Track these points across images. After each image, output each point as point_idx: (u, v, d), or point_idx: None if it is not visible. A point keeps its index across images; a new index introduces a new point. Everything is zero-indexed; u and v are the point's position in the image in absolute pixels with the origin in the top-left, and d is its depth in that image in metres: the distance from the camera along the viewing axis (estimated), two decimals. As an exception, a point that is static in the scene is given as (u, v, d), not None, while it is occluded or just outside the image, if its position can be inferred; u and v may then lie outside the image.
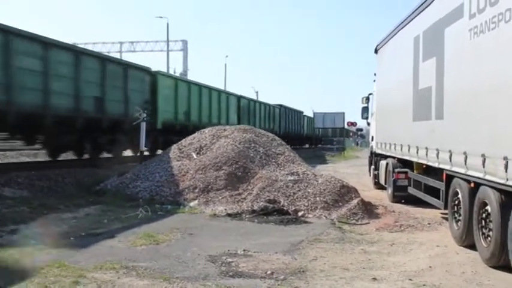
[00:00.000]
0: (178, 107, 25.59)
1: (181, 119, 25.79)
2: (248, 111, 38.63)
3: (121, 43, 63.83)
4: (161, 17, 69.68)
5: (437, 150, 9.79)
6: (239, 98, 36.88)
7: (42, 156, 24.12)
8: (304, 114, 59.31)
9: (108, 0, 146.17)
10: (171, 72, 51.55)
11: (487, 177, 7.35)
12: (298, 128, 55.55)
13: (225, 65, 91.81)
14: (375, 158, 17.98)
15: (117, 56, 51.09)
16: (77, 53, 17.80)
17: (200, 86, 28.94)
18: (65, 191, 14.32)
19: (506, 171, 6.68)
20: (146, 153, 20.77)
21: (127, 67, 21.24)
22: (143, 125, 18.00)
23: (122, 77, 20.49)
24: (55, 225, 9.80)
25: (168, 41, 57.57)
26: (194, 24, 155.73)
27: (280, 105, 48.77)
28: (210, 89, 30.49)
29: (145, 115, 18.11)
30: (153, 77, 23.55)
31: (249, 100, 40.03)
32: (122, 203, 12.35)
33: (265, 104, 44.24)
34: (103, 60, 19.77)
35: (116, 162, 19.91)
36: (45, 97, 15.87)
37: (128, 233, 9.30)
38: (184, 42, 63.42)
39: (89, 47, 46.40)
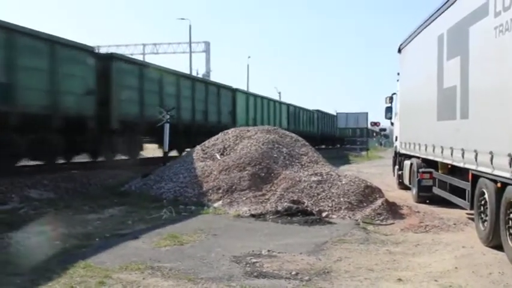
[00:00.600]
0: (249, 114, 33.90)
1: (250, 124, 31.17)
2: (294, 116, 46.71)
3: (144, 45, 64.22)
4: (183, 19, 69.39)
5: (462, 150, 9.70)
6: (288, 106, 44.93)
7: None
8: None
9: (130, 2, 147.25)
10: (194, 73, 52.26)
11: (514, 177, 7.27)
12: (331, 129, 61.62)
13: (247, 65, 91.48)
14: (399, 158, 17.87)
15: (140, 57, 51.50)
16: (193, 80, 27.72)
17: (262, 98, 37.80)
18: (90, 193, 14.45)
19: (533, 170, 6.60)
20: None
21: (219, 87, 30.15)
22: (167, 126, 18.08)
23: (216, 94, 29.26)
24: (80, 226, 9.89)
25: (190, 42, 57.65)
26: (216, 25, 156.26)
27: (318, 110, 57.02)
28: (269, 100, 39.54)
29: (168, 116, 18.18)
30: (234, 92, 32.19)
31: (295, 107, 47.69)
32: (146, 204, 12.43)
33: (306, 110, 52.11)
34: (207, 83, 29.42)
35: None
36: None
37: (152, 233, 9.34)
38: (207, 44, 63.59)
39: (112, 50, 46.92)
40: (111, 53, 22.36)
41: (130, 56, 39.81)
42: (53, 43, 16.13)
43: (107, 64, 19.34)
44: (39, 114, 15.59)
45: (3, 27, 14.34)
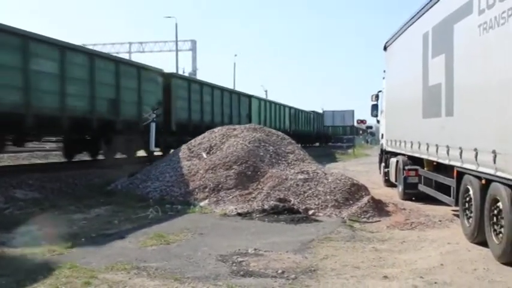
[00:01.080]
0: (261, 117, 38.37)
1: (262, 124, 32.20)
2: (295, 117, 50.69)
3: (130, 43, 64.11)
4: (170, 17, 69.47)
5: (447, 147, 9.76)
6: (290, 108, 48.65)
7: (52, 158, 24.34)
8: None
9: (117, 0, 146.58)
10: (180, 72, 52.20)
11: (498, 173, 7.32)
12: (323, 128, 64.25)
13: (234, 64, 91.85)
14: (385, 156, 17.92)
15: (126, 56, 51.31)
16: (222, 90, 30.87)
17: (270, 102, 43.08)
18: (76, 192, 14.36)
19: (517, 167, 6.65)
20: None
21: (240, 94, 34.40)
22: (153, 126, 18.04)
23: (237, 100, 33.53)
24: (66, 226, 9.84)
25: (176, 41, 57.59)
26: (202, 23, 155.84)
27: (313, 111, 61.60)
28: (275, 104, 43.98)
29: (154, 115, 18.14)
30: (249, 98, 36.42)
31: (295, 109, 51.78)
32: (132, 203, 12.38)
33: (304, 111, 56.33)
34: (231, 92, 32.97)
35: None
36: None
37: (139, 233, 9.32)
38: (193, 42, 63.53)
39: (98, 48, 46.76)
40: (172, 73, 27.35)
41: (116, 54, 39.95)
42: (138, 68, 21.56)
43: (169, 80, 24.45)
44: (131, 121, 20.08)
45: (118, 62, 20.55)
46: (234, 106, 32.73)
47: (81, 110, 17.46)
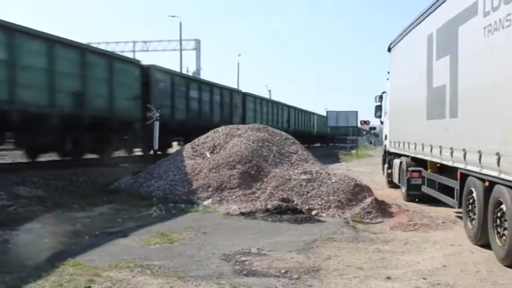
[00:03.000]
0: (269, 117, 40.65)
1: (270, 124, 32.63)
2: (295, 118, 51.73)
3: (134, 42, 63.98)
4: (174, 16, 69.17)
5: (451, 148, 9.75)
6: (294, 109, 50.92)
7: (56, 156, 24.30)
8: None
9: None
10: (184, 71, 52.34)
11: (502, 175, 7.31)
12: (326, 129, 65.54)
13: (238, 63, 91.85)
14: (389, 157, 17.92)
15: (130, 55, 51.31)
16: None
17: (277, 104, 45.45)
18: (79, 190, 14.41)
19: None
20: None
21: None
22: (156, 124, 18.06)
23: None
24: (69, 224, 9.87)
25: (180, 40, 57.54)
26: (207, 23, 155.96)
27: (315, 113, 63.88)
28: (282, 105, 46.25)
29: (158, 114, 18.16)
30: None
31: (298, 109, 53.77)
32: (135, 202, 12.41)
33: (306, 112, 58.16)
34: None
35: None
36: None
37: (142, 231, 9.34)
38: (197, 41, 63.48)
39: (102, 47, 46.77)
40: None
41: (120, 52, 39.98)
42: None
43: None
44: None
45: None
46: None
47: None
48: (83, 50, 18.23)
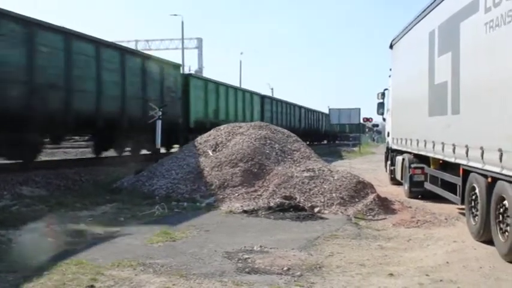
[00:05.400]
0: (277, 116, 43.06)
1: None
2: (305, 117, 54.98)
3: (136, 41, 64.06)
4: (176, 15, 69.22)
5: (453, 145, 9.75)
6: (300, 107, 52.99)
7: (59, 155, 24.40)
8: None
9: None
10: (186, 70, 52.51)
11: (504, 171, 7.31)
12: (331, 127, 68.73)
13: (240, 62, 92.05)
14: (391, 154, 17.92)
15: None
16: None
17: (286, 104, 47.42)
18: (82, 190, 14.40)
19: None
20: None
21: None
22: (159, 123, 18.05)
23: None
24: (72, 223, 9.87)
25: (183, 39, 57.48)
26: (209, 21, 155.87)
27: (323, 113, 66.32)
28: (291, 105, 48.94)
29: (160, 113, 18.15)
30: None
31: (308, 109, 57.29)
32: (138, 200, 12.41)
33: (314, 111, 60.95)
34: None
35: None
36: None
37: (145, 230, 9.34)
38: (199, 40, 63.55)
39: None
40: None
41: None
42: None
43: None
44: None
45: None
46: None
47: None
48: (144, 58, 21.54)
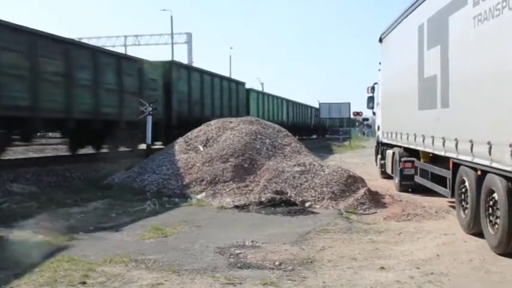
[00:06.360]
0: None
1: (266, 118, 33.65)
2: (293, 111, 53.92)
3: (125, 37, 63.80)
4: (165, 10, 69.27)
5: (443, 138, 9.79)
6: (288, 101, 51.93)
7: (49, 151, 24.30)
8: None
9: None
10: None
11: (494, 164, 7.35)
12: (321, 121, 69.32)
13: (230, 56, 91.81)
14: (382, 148, 17.96)
15: (121, 49, 51.19)
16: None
17: (282, 99, 48.30)
18: (73, 186, 14.36)
19: (512, 158, 6.68)
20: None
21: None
22: (149, 119, 18.01)
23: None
24: (63, 219, 9.85)
25: (172, 33, 57.49)
26: (198, 16, 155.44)
27: (312, 107, 67.17)
28: (278, 98, 47.37)
29: (150, 109, 18.10)
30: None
31: (296, 103, 56.55)
32: (129, 196, 12.38)
33: (303, 105, 61.20)
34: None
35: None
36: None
37: (136, 226, 9.35)
38: (189, 35, 63.34)
39: (93, 42, 46.66)
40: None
41: (111, 47, 39.98)
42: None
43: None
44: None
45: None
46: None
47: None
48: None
